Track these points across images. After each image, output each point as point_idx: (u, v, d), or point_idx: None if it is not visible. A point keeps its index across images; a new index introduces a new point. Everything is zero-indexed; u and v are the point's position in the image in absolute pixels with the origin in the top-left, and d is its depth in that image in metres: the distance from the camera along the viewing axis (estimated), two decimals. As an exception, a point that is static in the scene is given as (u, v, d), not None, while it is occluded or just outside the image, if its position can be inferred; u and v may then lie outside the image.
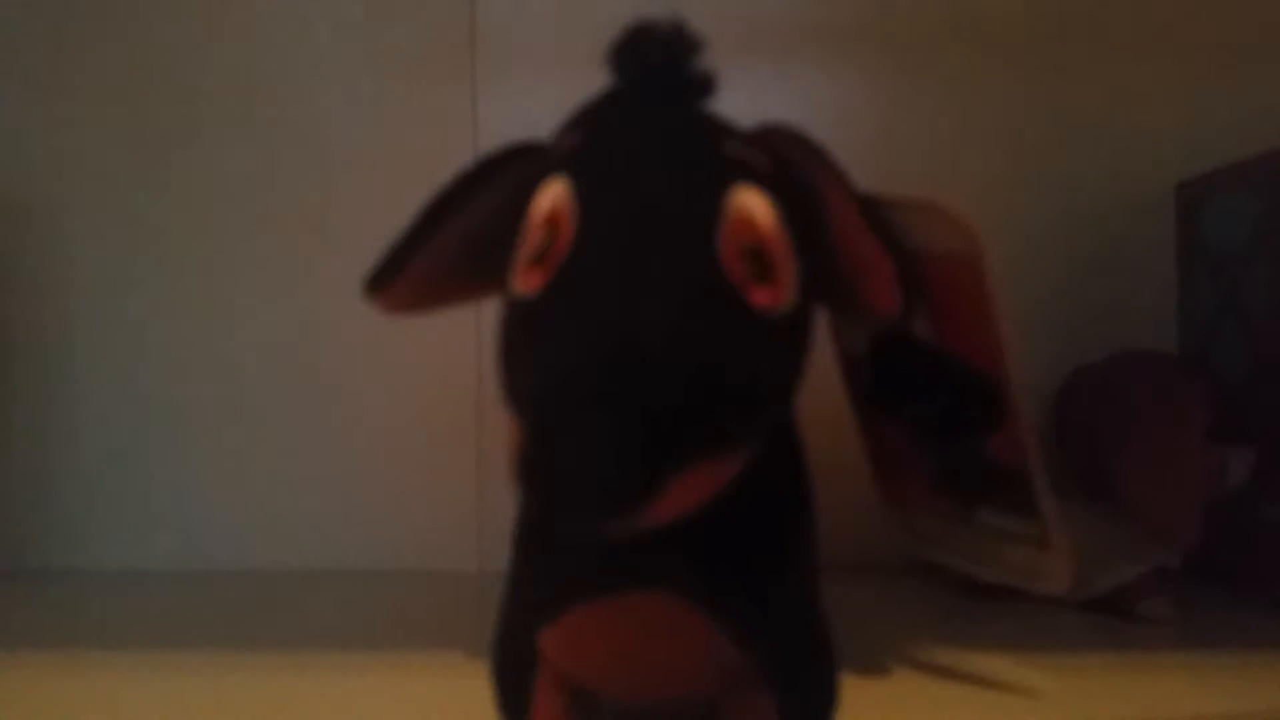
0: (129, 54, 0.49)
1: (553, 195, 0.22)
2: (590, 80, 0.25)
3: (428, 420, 0.48)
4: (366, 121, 0.48)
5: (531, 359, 0.21)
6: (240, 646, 0.35)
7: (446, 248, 0.27)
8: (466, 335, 0.48)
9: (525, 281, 0.22)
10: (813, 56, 0.48)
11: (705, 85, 0.24)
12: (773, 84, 0.48)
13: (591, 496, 0.18)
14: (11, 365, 0.49)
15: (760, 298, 0.22)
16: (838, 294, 0.26)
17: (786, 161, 0.25)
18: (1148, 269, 0.48)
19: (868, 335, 0.35)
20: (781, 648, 0.24)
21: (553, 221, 0.22)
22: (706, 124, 0.24)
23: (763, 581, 0.24)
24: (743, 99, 0.29)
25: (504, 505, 0.34)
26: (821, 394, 0.33)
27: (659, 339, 0.19)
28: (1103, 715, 0.28)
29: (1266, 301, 0.40)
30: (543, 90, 0.48)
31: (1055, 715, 0.28)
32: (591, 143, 0.23)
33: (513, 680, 0.25)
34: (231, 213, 0.49)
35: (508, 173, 0.27)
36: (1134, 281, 0.48)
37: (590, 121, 0.24)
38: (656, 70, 0.24)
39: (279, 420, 0.48)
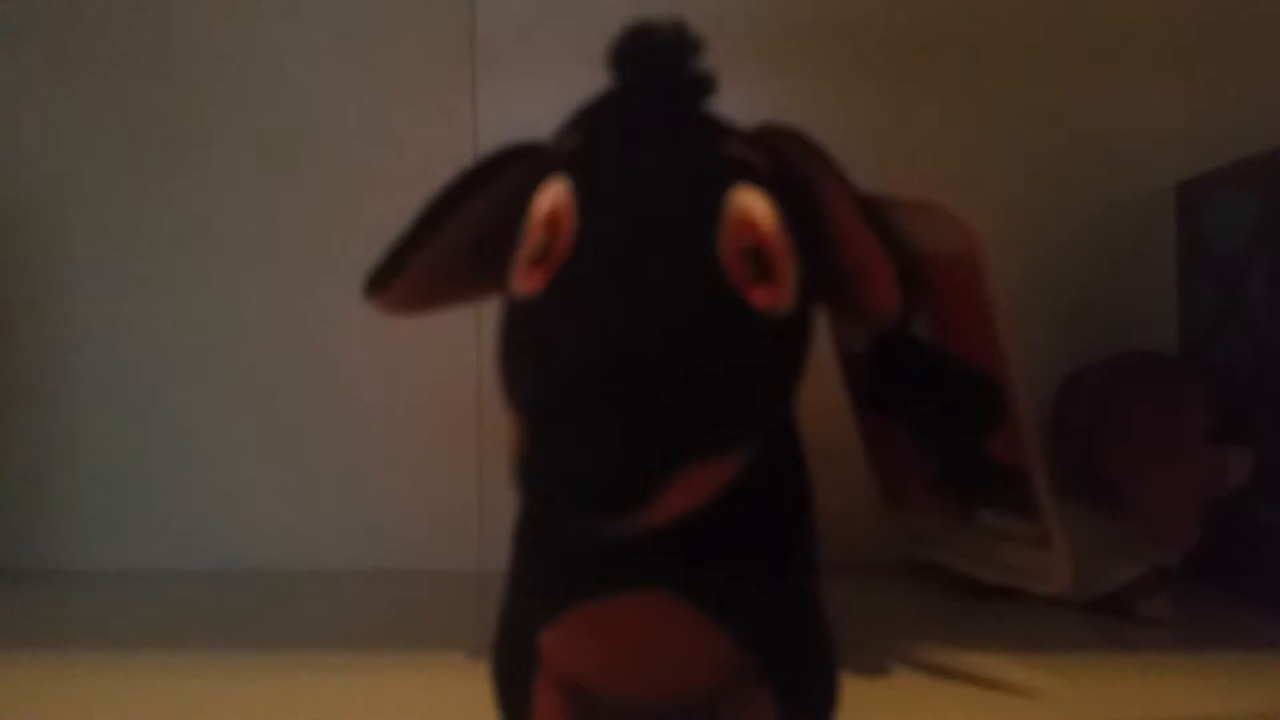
0: (129, 54, 0.49)
1: (553, 195, 0.22)
2: (590, 80, 0.25)
3: (428, 420, 0.48)
4: (367, 122, 0.48)
5: (531, 359, 0.21)
6: (240, 646, 0.35)
7: (446, 248, 0.27)
8: (466, 335, 0.48)
9: (525, 282, 0.22)
10: (812, 57, 0.48)
11: (705, 85, 0.24)
12: (772, 85, 0.48)
13: (591, 496, 0.18)
14: (12, 365, 0.49)
15: (760, 298, 0.22)
16: (838, 294, 0.26)
17: (786, 161, 0.25)
18: (1148, 269, 0.48)
19: (868, 335, 0.35)
20: (781, 648, 0.24)
21: (553, 222, 0.22)
22: (706, 124, 0.24)
23: (763, 581, 0.24)
24: (743, 100, 0.29)
25: (504, 505, 0.34)
26: (821, 394, 0.33)
27: (659, 339, 0.19)
28: (1103, 715, 0.28)
29: (1266, 301, 0.40)
30: (543, 90, 0.48)
31: (1055, 715, 0.28)
32: (591, 143, 0.23)
33: (513, 680, 0.25)
34: (231, 213, 0.49)
35: (508, 173, 0.27)
36: (1134, 281, 0.48)
37: (590, 122, 0.24)
38: (656, 70, 0.24)
39: (279, 420, 0.48)
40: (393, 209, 0.28)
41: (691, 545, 0.22)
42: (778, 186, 0.23)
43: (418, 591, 0.44)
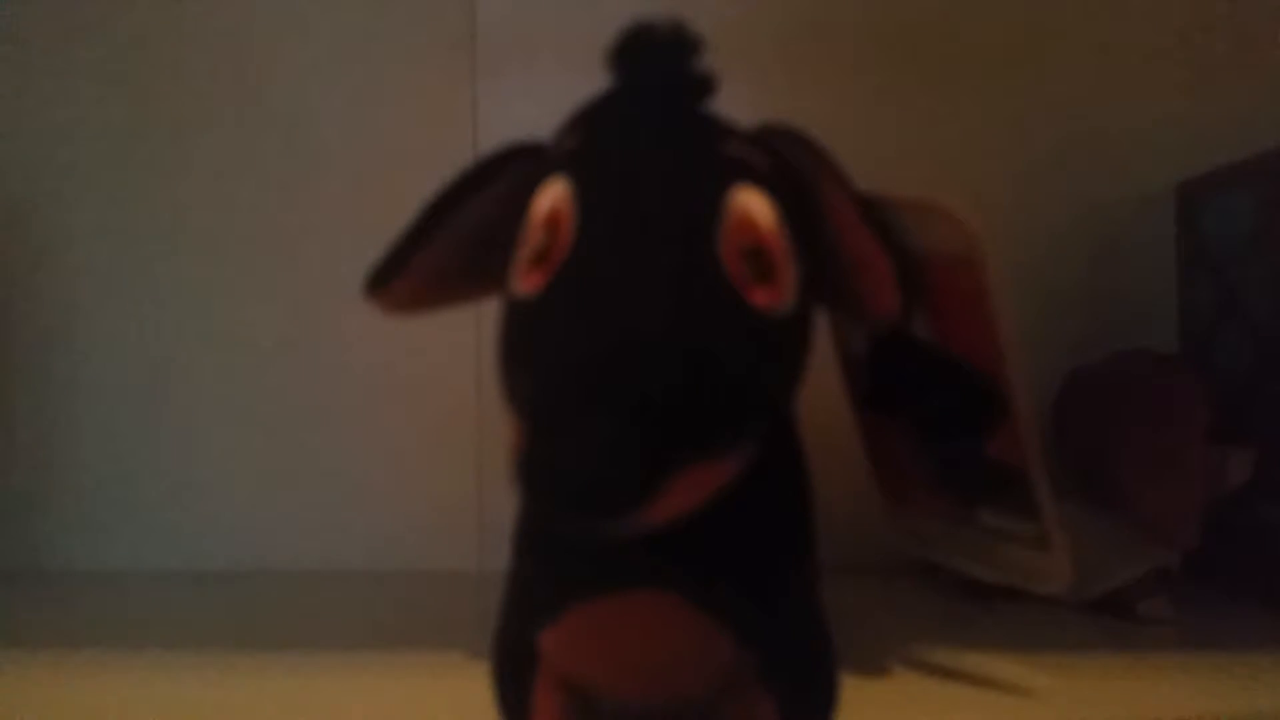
0: (129, 54, 0.49)
1: (553, 195, 0.22)
2: (590, 80, 0.25)
3: (428, 420, 0.48)
4: (366, 121, 0.48)
5: (531, 359, 0.21)
6: (240, 646, 0.35)
7: (446, 248, 0.27)
8: (466, 335, 0.48)
9: (525, 281, 0.22)
10: (812, 57, 0.48)
11: (705, 85, 0.24)
12: (772, 85, 0.48)
13: (591, 496, 0.18)
14: (12, 365, 0.49)
15: (760, 298, 0.22)
16: (838, 294, 0.26)
17: (786, 161, 0.25)
18: (1148, 269, 0.48)
19: (868, 335, 0.35)
20: (781, 648, 0.24)
21: (553, 222, 0.22)
22: (706, 124, 0.24)
23: (762, 581, 0.24)
24: (743, 100, 0.29)
25: (504, 505, 0.34)
26: (821, 394, 0.33)
27: (659, 339, 0.19)
28: (1103, 715, 0.28)
29: (1266, 301, 0.40)
30: (543, 90, 0.48)
31: (1055, 715, 0.28)
32: (591, 143, 0.23)
33: (513, 680, 0.25)
34: (231, 213, 0.49)
35: (508, 173, 0.27)
36: (1134, 281, 0.48)
37: (590, 121, 0.24)
38: (656, 70, 0.24)
39: (279, 420, 0.48)
40: (393, 209, 0.28)
41: (692, 545, 0.22)
42: (778, 186, 0.23)
43: (418, 591, 0.44)
